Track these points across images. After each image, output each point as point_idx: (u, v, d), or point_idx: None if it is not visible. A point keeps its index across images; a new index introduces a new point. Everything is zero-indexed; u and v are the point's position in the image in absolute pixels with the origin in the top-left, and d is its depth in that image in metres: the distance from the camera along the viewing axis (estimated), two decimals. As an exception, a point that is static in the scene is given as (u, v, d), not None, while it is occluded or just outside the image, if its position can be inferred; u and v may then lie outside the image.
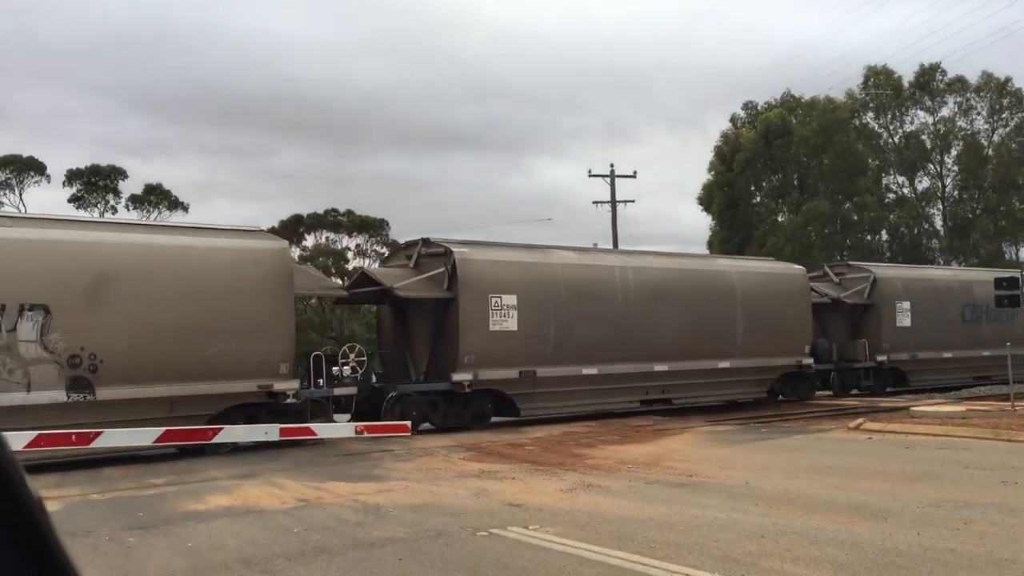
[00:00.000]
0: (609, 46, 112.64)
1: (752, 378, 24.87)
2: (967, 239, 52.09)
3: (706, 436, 17.91)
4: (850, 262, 31.90)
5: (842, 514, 9.28)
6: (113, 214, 45.30)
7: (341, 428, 17.00)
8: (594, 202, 46.94)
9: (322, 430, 16.64)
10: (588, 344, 21.27)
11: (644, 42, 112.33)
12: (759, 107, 55.43)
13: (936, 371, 29.61)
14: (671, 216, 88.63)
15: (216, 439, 15.62)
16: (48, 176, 44.89)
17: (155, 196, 49.38)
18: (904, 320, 28.41)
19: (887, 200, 53.45)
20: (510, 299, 20.03)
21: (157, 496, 11.98)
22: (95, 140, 78.26)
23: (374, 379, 20.23)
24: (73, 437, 14.35)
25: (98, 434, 14.65)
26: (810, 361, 25.85)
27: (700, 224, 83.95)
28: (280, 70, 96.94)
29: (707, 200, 55.41)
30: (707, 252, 25.41)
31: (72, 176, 44.74)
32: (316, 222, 50.77)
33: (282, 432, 16.06)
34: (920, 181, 54.21)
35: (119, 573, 7.64)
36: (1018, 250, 53.77)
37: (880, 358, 27.93)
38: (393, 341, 21.53)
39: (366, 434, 16.96)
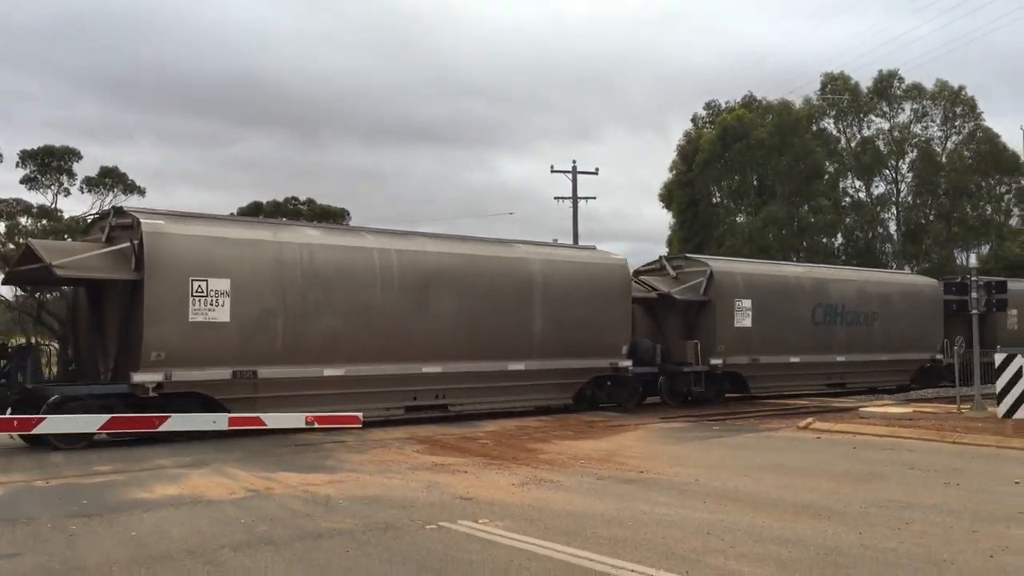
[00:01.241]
0: (576, 46, 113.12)
1: (554, 382, 21.87)
2: (920, 244, 53.05)
3: (658, 433, 18.05)
4: (688, 254, 28.78)
5: (787, 512, 9.42)
6: (66, 196, 44.51)
7: (291, 419, 16.80)
8: (556, 197, 47.18)
9: (272, 420, 16.46)
10: (334, 341, 18.13)
11: (610, 43, 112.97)
12: (721, 107, 55.95)
13: (781, 377, 26.84)
14: (633, 214, 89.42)
15: (163, 427, 15.40)
16: (0, 156, 43.91)
17: (110, 179, 48.59)
18: (744, 320, 25.43)
19: (843, 204, 54.25)
20: (221, 283, 16.69)
21: (103, 484, 11.80)
22: (52, 123, 77.00)
23: (50, 376, 17.52)
24: (15, 422, 14.07)
25: (41, 420, 14.39)
26: (628, 364, 22.89)
27: (661, 222, 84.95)
28: (246, 59, 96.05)
29: (668, 199, 55.86)
30: (508, 238, 22.88)
31: (25, 157, 43.81)
32: (275, 210, 50.28)
33: (231, 422, 15.88)
34: (876, 186, 55.11)
35: (59, 562, 7.52)
36: (968, 256, 54.84)
37: (714, 361, 24.70)
38: (86, 331, 18.23)
39: (317, 425, 16.82)
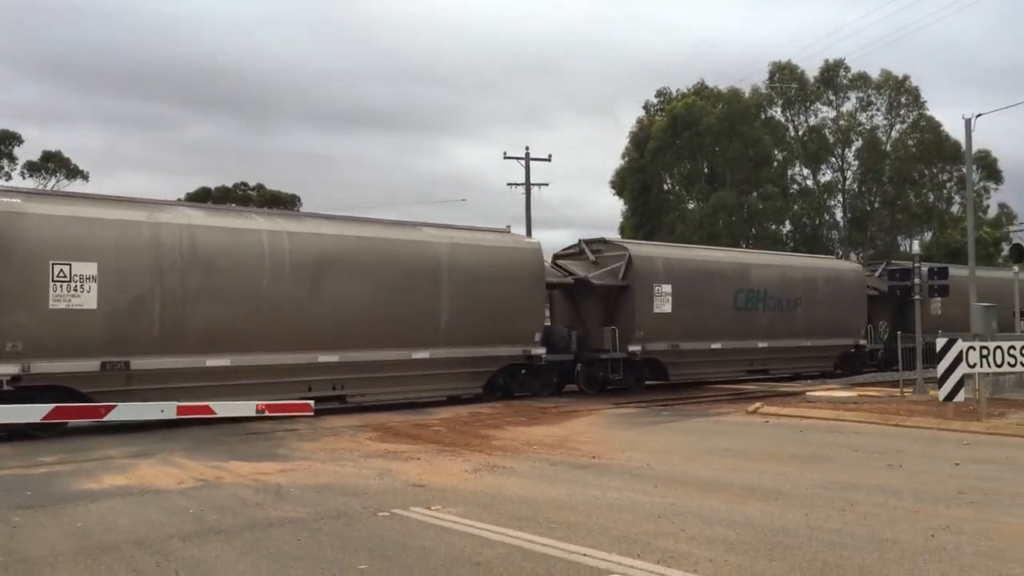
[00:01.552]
0: (525, 32, 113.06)
1: (463, 371, 20.92)
2: (865, 231, 54.10)
3: (610, 418, 18.21)
4: (608, 238, 26.80)
5: (736, 495, 9.58)
6: (7, 180, 43.45)
7: (241, 407, 16.58)
8: (508, 184, 47.10)
9: (221, 409, 16.23)
10: (219, 328, 17.00)
11: (560, 30, 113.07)
12: (673, 94, 56.36)
13: (702, 364, 25.98)
14: (584, 201, 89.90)
15: (109, 416, 15.12)
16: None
17: (53, 163, 47.65)
18: (664, 305, 24.35)
19: (791, 191, 55.08)
20: (86, 267, 15.43)
21: (48, 475, 11.58)
22: (-10, 105, 74.90)
23: None
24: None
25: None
26: (541, 351, 22.09)
27: (613, 209, 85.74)
28: (190, 41, 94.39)
29: (620, 185, 56.18)
30: (413, 220, 21.54)
31: (-37, 140, 42.67)
32: (224, 196, 49.75)
33: (179, 411, 15.62)
34: (823, 174, 56.05)
35: (2, 554, 7.36)
36: (912, 243, 56.08)
37: (633, 348, 23.68)
38: None
39: (268, 413, 16.63)
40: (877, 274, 32.37)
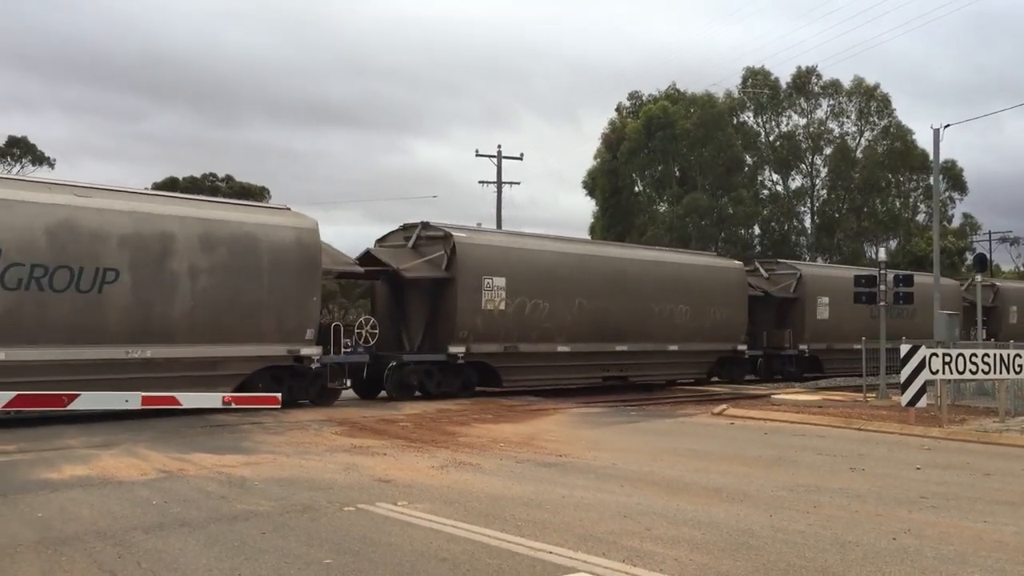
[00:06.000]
0: (487, 33, 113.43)
1: None
2: (832, 237, 54.64)
3: (577, 417, 18.24)
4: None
5: (701, 496, 9.63)
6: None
7: (207, 399, 16.43)
8: (480, 181, 47.19)
9: (187, 400, 16.08)
10: None
11: (522, 32, 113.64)
12: (644, 98, 56.62)
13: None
14: (549, 202, 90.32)
15: (72, 405, 14.89)
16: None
17: (19, 149, 46.96)
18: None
19: (761, 196, 55.50)
20: None
21: (7, 464, 11.40)
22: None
23: None
24: None
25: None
26: None
27: (578, 210, 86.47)
28: (154, 35, 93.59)
29: (591, 186, 56.36)
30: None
31: (-75, 123, 41.93)
32: (192, 186, 49.22)
33: (144, 401, 15.44)
34: (793, 179, 56.53)
35: (-40, 544, 7.23)
36: (877, 250, 56.76)
37: None
38: None
39: (234, 405, 16.49)
40: (412, 244, 21.33)
